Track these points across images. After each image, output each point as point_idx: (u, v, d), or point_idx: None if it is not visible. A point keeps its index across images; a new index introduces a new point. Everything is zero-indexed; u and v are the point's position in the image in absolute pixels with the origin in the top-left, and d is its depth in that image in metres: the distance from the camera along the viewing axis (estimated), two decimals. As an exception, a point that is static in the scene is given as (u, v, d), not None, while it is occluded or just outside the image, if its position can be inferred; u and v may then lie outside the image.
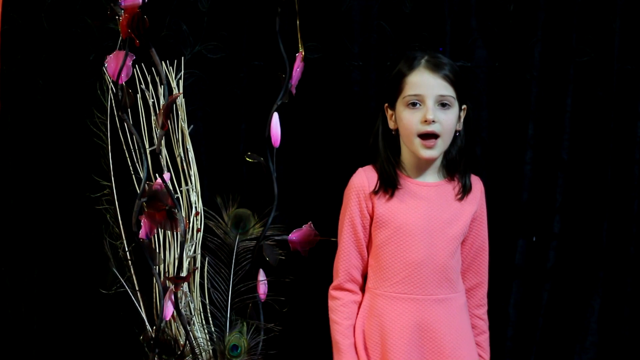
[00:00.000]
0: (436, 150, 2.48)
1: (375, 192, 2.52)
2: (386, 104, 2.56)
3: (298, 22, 2.66)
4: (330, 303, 2.57)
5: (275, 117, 2.64)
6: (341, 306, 2.54)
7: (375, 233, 2.53)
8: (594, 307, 2.89)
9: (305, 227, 2.72)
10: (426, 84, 2.46)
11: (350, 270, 2.55)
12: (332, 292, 2.57)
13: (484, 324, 2.62)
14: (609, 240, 2.87)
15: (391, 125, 2.55)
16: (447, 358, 2.47)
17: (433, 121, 2.45)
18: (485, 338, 2.62)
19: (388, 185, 2.52)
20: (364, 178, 2.54)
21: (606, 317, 2.89)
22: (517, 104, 2.88)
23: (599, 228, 2.87)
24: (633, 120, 2.85)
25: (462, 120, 2.53)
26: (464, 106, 2.53)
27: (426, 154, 2.48)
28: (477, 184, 2.57)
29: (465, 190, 2.53)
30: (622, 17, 2.84)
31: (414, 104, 2.48)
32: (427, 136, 2.46)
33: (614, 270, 2.88)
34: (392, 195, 2.51)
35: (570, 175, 2.88)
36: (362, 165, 2.59)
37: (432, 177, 2.55)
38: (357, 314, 2.56)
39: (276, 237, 2.72)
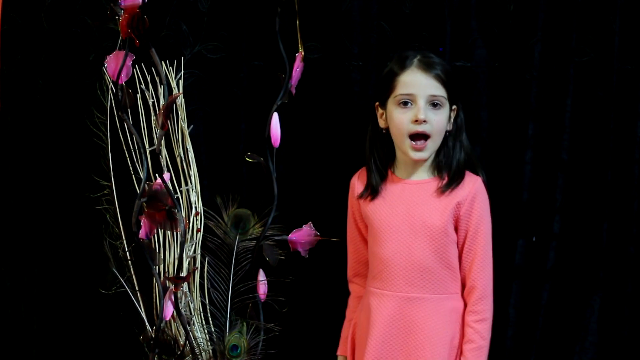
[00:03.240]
0: (426, 152, 2.49)
1: (360, 197, 2.57)
2: (377, 103, 2.57)
3: (298, 22, 2.66)
4: None
5: (275, 117, 2.64)
6: (349, 300, 2.70)
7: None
8: (594, 307, 2.88)
9: (305, 227, 2.72)
10: (418, 84, 2.47)
11: (354, 264, 2.67)
12: (349, 285, 2.70)
13: (472, 333, 2.49)
14: (609, 240, 2.87)
15: (381, 124, 2.56)
16: (405, 358, 2.47)
17: (424, 121, 2.46)
18: (471, 348, 2.48)
19: (372, 190, 2.55)
20: (356, 179, 2.62)
21: (606, 317, 2.88)
22: (517, 104, 2.87)
23: (599, 228, 2.87)
24: (633, 120, 2.85)
25: (452, 120, 2.53)
26: (454, 106, 2.53)
27: (416, 155, 2.49)
28: (470, 183, 2.51)
29: (447, 186, 2.50)
30: (622, 17, 2.83)
31: (405, 103, 2.48)
32: (417, 137, 2.47)
33: (614, 270, 2.87)
34: (375, 196, 2.54)
35: (570, 175, 2.88)
36: (363, 165, 2.61)
37: (421, 175, 2.55)
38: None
39: (276, 237, 2.72)
